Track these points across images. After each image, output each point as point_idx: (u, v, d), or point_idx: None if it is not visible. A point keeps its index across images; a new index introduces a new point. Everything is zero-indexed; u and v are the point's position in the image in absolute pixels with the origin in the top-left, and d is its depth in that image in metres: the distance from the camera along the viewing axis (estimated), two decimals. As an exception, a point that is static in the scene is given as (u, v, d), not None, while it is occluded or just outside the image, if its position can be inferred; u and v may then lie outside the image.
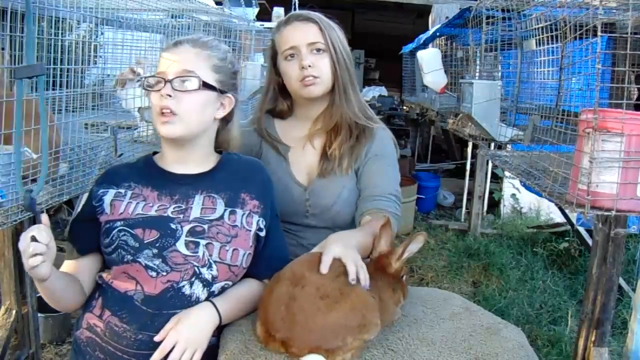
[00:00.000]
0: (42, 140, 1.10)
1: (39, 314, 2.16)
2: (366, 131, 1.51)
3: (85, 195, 1.36)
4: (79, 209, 1.33)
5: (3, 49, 1.60)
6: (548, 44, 1.84)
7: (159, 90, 1.20)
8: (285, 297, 1.08)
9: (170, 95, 1.19)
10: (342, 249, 1.15)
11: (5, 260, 1.82)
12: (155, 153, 1.35)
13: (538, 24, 1.91)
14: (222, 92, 1.28)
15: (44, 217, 1.09)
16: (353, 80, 1.51)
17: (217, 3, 2.95)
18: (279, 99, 1.57)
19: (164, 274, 1.18)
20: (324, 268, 1.11)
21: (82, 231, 1.27)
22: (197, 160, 1.30)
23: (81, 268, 1.25)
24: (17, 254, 1.77)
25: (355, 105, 1.51)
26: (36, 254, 1.03)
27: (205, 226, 1.22)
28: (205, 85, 1.23)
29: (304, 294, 1.07)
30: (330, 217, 1.49)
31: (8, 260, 1.82)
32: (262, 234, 1.29)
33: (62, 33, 1.52)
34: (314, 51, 1.46)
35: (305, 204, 1.50)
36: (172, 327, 1.14)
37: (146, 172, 1.29)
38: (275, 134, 1.58)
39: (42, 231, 1.05)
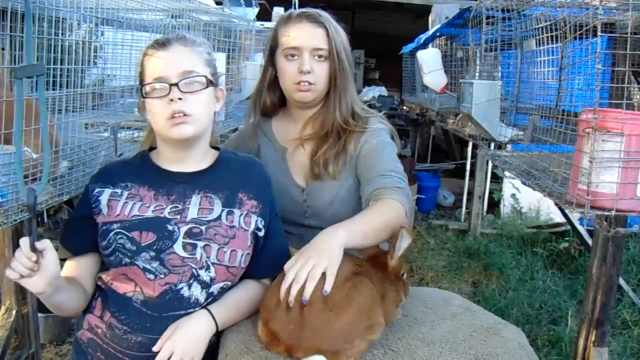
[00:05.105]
0: (44, 139, 1.10)
1: (39, 314, 2.15)
2: (355, 133, 1.47)
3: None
4: (75, 207, 1.33)
5: (3, 49, 1.60)
6: (548, 44, 1.84)
7: (164, 95, 1.18)
8: (293, 312, 1.07)
9: (180, 99, 1.17)
10: (307, 256, 1.10)
11: (5, 260, 1.82)
12: (151, 149, 1.33)
13: (538, 24, 1.91)
14: (215, 85, 1.27)
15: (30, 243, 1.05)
16: (349, 85, 1.48)
17: (217, 3, 2.95)
18: (269, 91, 1.54)
19: (162, 276, 1.17)
20: (283, 287, 1.08)
21: (78, 231, 1.25)
22: (197, 158, 1.28)
23: (81, 270, 1.24)
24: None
25: (348, 109, 1.47)
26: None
27: (203, 227, 1.21)
28: (208, 82, 1.23)
29: (311, 309, 1.06)
30: (328, 217, 1.47)
31: (8, 260, 1.82)
32: (261, 233, 1.27)
33: (62, 33, 1.52)
34: (316, 57, 1.43)
35: (303, 205, 1.50)
36: (168, 337, 1.13)
37: (143, 171, 1.27)
38: (271, 136, 1.57)
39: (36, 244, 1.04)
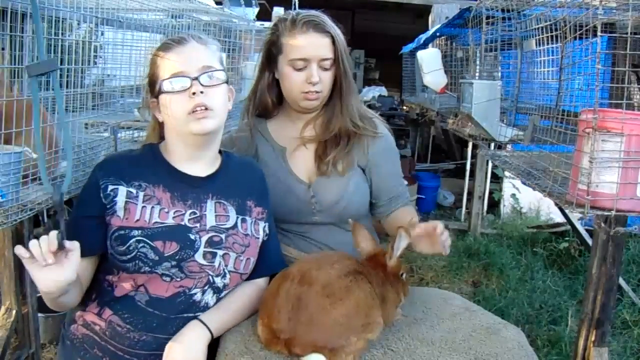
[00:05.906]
0: (65, 137, 1.09)
1: (39, 314, 2.16)
2: (369, 138, 1.52)
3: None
4: (80, 203, 1.24)
5: (3, 49, 1.60)
6: (548, 44, 1.83)
7: (185, 89, 1.17)
8: (292, 297, 1.08)
9: (202, 92, 1.17)
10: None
11: (5, 260, 1.82)
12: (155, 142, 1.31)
13: (538, 24, 1.91)
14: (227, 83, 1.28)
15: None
16: (352, 87, 1.51)
17: (217, 3, 2.94)
18: (269, 91, 1.54)
19: (178, 280, 1.17)
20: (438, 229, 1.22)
21: (85, 232, 1.17)
22: (209, 157, 1.28)
23: (81, 268, 1.17)
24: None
25: (354, 112, 1.50)
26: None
27: (223, 236, 1.22)
28: (225, 78, 1.24)
29: (310, 292, 1.07)
30: (337, 212, 1.49)
31: (8, 260, 1.82)
32: (266, 238, 1.31)
33: (62, 33, 1.52)
34: (323, 67, 1.44)
35: (310, 201, 1.50)
36: (165, 357, 1.11)
37: (155, 169, 1.24)
38: (268, 136, 1.57)
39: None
